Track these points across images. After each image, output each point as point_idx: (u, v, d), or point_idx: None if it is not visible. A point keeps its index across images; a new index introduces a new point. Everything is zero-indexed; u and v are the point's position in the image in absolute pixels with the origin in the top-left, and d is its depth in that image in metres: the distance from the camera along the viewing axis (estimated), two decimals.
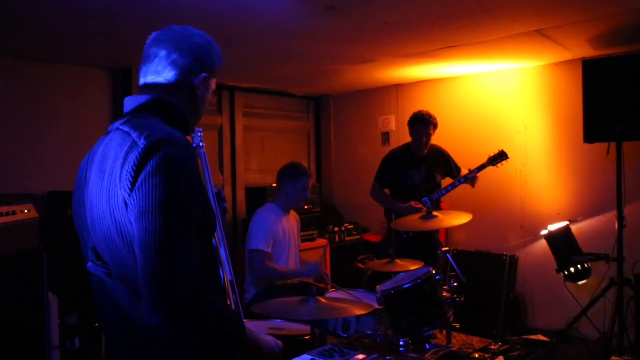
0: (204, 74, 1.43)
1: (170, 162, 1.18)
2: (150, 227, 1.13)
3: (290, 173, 3.61)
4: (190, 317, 1.14)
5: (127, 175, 1.18)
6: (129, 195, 1.17)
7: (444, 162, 4.42)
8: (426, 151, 4.34)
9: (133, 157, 1.18)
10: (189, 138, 1.48)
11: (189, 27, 1.47)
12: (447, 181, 4.44)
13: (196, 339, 1.17)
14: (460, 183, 4.16)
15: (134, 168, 1.17)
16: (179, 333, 1.15)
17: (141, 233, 1.14)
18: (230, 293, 1.61)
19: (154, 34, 1.45)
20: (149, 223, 1.13)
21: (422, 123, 4.21)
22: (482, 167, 4.15)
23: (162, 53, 1.40)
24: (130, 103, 1.39)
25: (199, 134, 1.78)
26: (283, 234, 3.56)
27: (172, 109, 1.38)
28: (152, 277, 1.12)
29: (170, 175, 1.17)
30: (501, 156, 4.15)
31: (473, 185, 4.18)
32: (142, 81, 1.43)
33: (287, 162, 5.87)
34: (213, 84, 1.50)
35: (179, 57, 1.40)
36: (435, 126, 4.26)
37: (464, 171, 4.30)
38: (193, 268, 1.14)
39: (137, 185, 1.16)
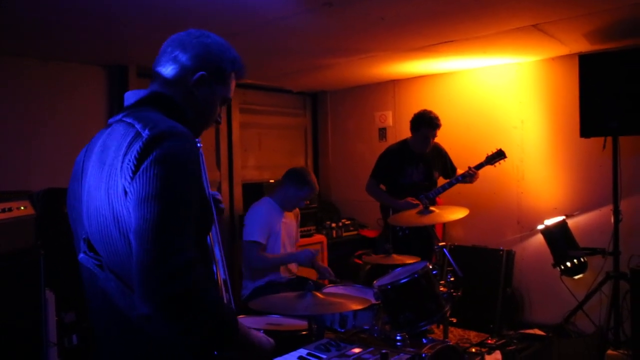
0: (201, 72, 1.41)
1: (172, 154, 1.19)
2: (148, 216, 1.13)
3: (298, 179, 3.59)
4: (183, 307, 1.13)
5: (128, 164, 1.18)
6: (129, 183, 1.17)
7: (441, 160, 4.42)
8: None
9: (136, 146, 1.19)
10: None
11: (209, 32, 1.47)
12: (441, 179, 4.44)
13: (188, 329, 1.16)
14: (458, 181, 4.16)
15: (137, 156, 1.17)
16: (171, 323, 1.14)
17: (138, 221, 1.14)
18: (224, 292, 1.61)
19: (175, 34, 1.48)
20: (147, 211, 1.13)
21: (431, 127, 4.15)
22: (480, 166, 4.15)
23: (169, 49, 1.43)
24: (131, 97, 1.40)
25: None
26: (279, 228, 3.57)
27: (171, 103, 1.39)
28: (146, 265, 1.11)
29: (172, 166, 1.18)
30: (499, 155, 4.14)
31: (472, 181, 4.18)
32: (154, 72, 1.47)
33: (284, 158, 5.96)
34: (225, 90, 1.47)
35: (180, 53, 1.41)
36: (439, 127, 4.23)
37: (459, 171, 4.32)
38: (188, 258, 1.14)
39: (138, 173, 1.16)
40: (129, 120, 1.28)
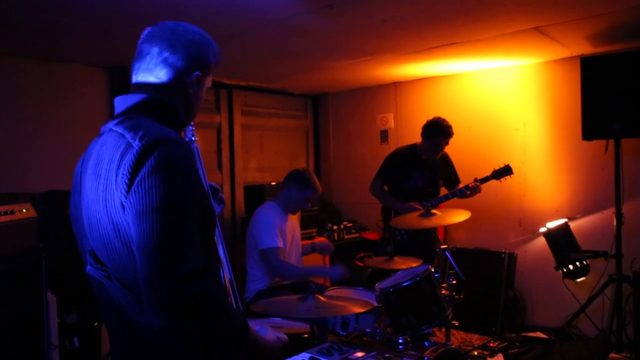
0: (197, 73, 1.39)
1: (166, 162, 1.16)
2: (149, 229, 1.12)
3: (300, 180, 3.57)
4: (193, 317, 1.12)
5: (122, 178, 1.16)
6: (126, 198, 1.16)
7: (447, 169, 4.41)
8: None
9: (128, 159, 1.17)
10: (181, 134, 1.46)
11: (183, 22, 1.43)
12: (443, 189, 4.44)
13: (199, 338, 1.16)
14: (462, 193, 4.15)
15: (130, 170, 1.16)
16: (182, 333, 1.14)
17: (140, 235, 1.13)
18: (230, 292, 1.61)
19: (147, 29, 1.41)
20: (147, 225, 1.12)
21: (445, 135, 4.15)
22: (485, 180, 4.15)
23: (154, 50, 1.36)
24: (121, 103, 1.36)
25: (191, 128, 1.75)
26: (285, 233, 3.56)
27: (165, 108, 1.36)
28: (153, 278, 1.10)
29: (167, 175, 1.16)
30: (506, 171, 4.13)
31: (473, 195, 4.16)
32: (134, 79, 1.40)
33: (285, 160, 5.96)
34: (208, 81, 1.47)
35: (170, 55, 1.36)
36: (452, 135, 4.21)
37: (462, 185, 4.30)
38: (196, 266, 1.13)
39: (133, 187, 1.15)
40: (119, 130, 1.25)
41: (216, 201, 1.82)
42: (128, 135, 1.21)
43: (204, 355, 1.25)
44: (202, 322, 1.14)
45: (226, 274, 1.57)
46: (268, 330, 1.47)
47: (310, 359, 1.72)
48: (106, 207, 1.21)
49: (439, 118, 4.21)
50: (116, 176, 1.18)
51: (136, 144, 1.18)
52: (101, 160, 1.25)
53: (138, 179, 1.15)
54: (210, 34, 1.49)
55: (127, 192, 1.15)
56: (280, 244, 3.40)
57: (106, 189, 1.21)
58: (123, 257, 1.21)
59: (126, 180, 1.16)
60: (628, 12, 3.21)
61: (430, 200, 4.15)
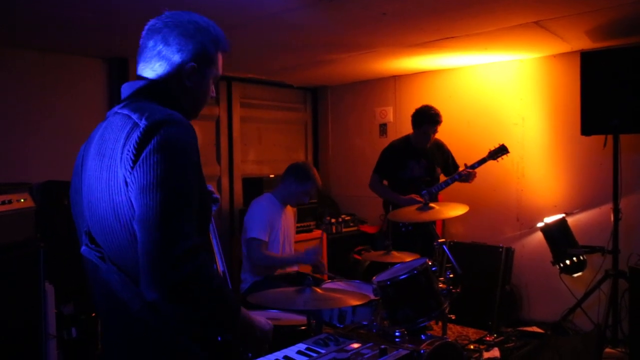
0: (191, 64, 1.38)
1: (171, 141, 1.20)
2: (152, 204, 1.15)
3: (300, 173, 3.58)
4: (190, 292, 1.15)
5: (128, 154, 1.19)
6: (130, 173, 1.18)
7: (442, 156, 4.42)
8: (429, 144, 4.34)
9: (134, 136, 1.20)
10: None
11: (183, 12, 1.44)
12: (442, 176, 4.44)
13: (195, 313, 1.19)
14: (460, 177, 4.15)
15: (135, 147, 1.18)
16: (179, 308, 1.16)
17: (142, 209, 1.15)
18: None
19: (149, 22, 1.43)
20: (150, 199, 1.15)
21: (432, 123, 4.16)
22: (482, 161, 4.14)
23: (150, 43, 1.39)
24: (127, 88, 1.40)
25: None
26: (279, 226, 3.57)
27: (166, 93, 1.38)
28: (153, 252, 1.13)
29: (172, 153, 1.19)
30: (502, 150, 4.12)
31: (469, 181, 4.17)
32: (137, 72, 1.44)
33: (284, 153, 5.96)
34: (211, 71, 1.45)
35: (164, 48, 1.37)
36: (440, 123, 4.23)
37: (462, 168, 4.30)
38: (193, 244, 1.16)
39: (138, 162, 1.17)
40: (125, 112, 1.28)
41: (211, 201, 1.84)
42: (134, 116, 1.24)
43: (195, 338, 1.27)
44: (194, 300, 1.17)
45: (220, 266, 1.59)
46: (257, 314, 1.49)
47: (306, 349, 1.72)
48: (108, 185, 1.23)
49: (426, 106, 4.23)
50: (121, 153, 1.21)
51: (142, 123, 1.21)
52: (106, 140, 1.28)
53: (143, 155, 1.18)
54: None
55: (132, 168, 1.18)
56: (265, 237, 3.42)
57: (110, 167, 1.23)
58: (121, 238, 1.23)
59: (131, 156, 1.18)
60: (629, 6, 3.20)
61: (430, 188, 4.15)
